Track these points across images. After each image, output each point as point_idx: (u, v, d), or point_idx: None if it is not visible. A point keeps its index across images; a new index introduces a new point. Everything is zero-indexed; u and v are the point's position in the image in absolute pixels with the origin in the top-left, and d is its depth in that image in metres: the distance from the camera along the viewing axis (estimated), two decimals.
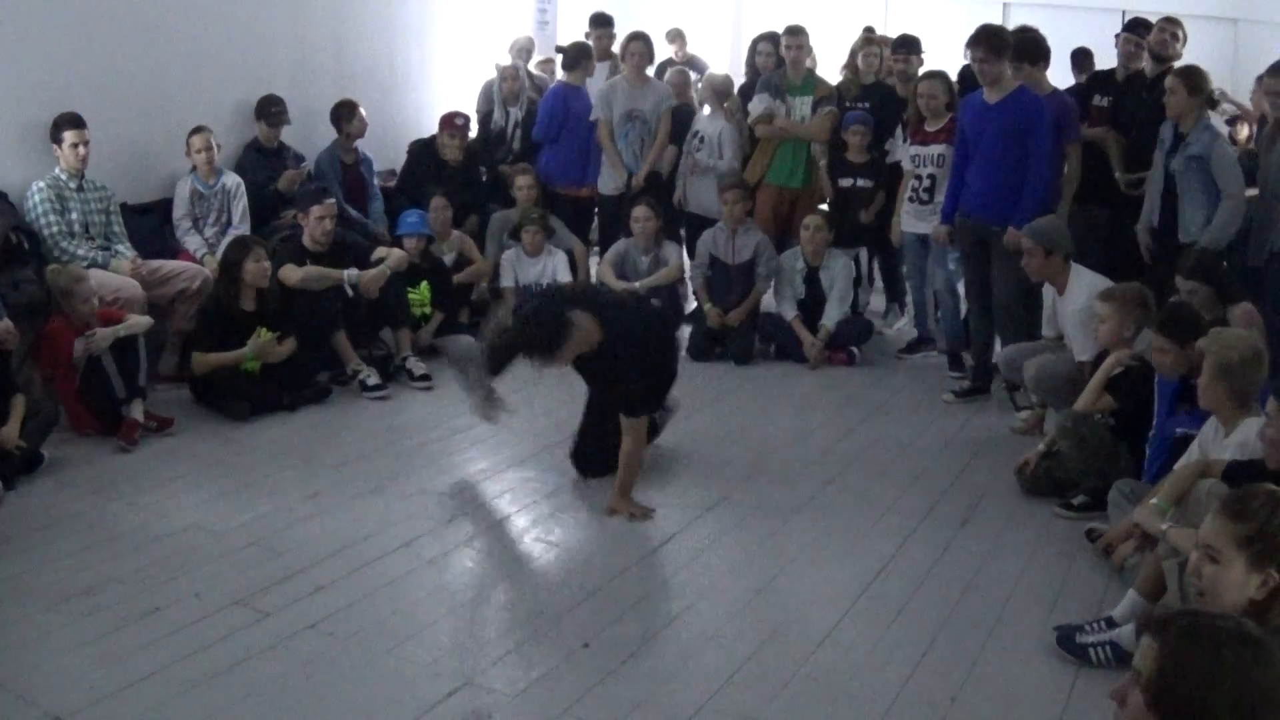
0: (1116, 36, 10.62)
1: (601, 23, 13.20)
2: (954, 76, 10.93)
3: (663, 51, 15.82)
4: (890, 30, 14.31)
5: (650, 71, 12.38)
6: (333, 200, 10.03)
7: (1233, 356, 6.14)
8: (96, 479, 7.66)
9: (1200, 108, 8.93)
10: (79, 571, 6.28)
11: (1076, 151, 9.83)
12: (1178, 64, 9.84)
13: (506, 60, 13.23)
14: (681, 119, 12.05)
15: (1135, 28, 10.47)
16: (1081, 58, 12.36)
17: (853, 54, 12.31)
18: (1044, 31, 9.94)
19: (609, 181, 11.86)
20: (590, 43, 12.90)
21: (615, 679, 5.45)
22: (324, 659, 5.54)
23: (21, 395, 7.68)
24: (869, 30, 13.29)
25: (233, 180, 10.38)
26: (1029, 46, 9.64)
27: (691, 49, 16.15)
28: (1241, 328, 7.08)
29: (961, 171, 9.60)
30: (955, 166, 9.73)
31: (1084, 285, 8.48)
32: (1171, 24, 10.21)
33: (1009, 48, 9.25)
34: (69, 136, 9.16)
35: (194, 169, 10.17)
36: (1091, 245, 9.63)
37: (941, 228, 9.97)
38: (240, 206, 10.36)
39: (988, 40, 9.14)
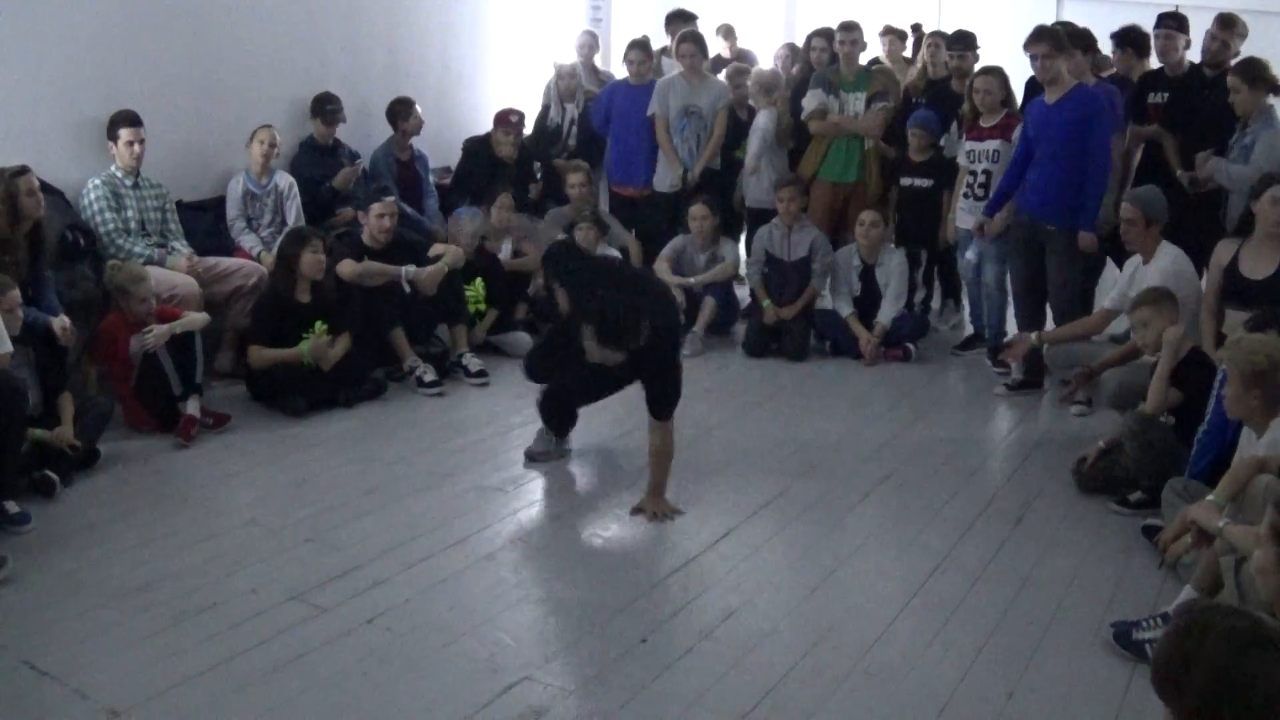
0: (1154, 34, 10.52)
1: (678, 18, 13.19)
2: (1015, 76, 10.88)
3: (714, 47, 15.85)
4: (944, 26, 14.20)
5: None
6: (393, 199, 10.07)
7: (1261, 362, 6.04)
8: (153, 475, 7.70)
9: (1262, 97, 8.86)
10: (135, 567, 6.31)
11: (1119, 143, 9.75)
12: (1231, 61, 9.79)
13: (568, 58, 13.20)
14: (741, 116, 12.05)
15: (1165, 22, 10.37)
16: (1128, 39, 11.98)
17: (916, 51, 12.24)
18: (1098, 25, 9.91)
19: (665, 179, 11.83)
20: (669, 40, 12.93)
21: (671, 675, 5.43)
22: (381, 654, 5.53)
23: (69, 393, 7.70)
24: (911, 28, 13.30)
25: (285, 181, 10.41)
26: (1080, 36, 9.64)
27: (743, 44, 16.10)
28: None
29: (1019, 170, 9.57)
30: (1013, 163, 9.69)
31: (1170, 252, 8.50)
32: (1225, 30, 10.03)
33: (1068, 46, 9.23)
34: (124, 134, 9.21)
35: (247, 168, 10.20)
36: None
37: (984, 218, 9.95)
38: (294, 207, 10.38)
39: (1049, 38, 9.13)
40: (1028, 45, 9.26)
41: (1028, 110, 9.70)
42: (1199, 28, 10.25)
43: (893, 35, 13.48)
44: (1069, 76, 9.27)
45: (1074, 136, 9.13)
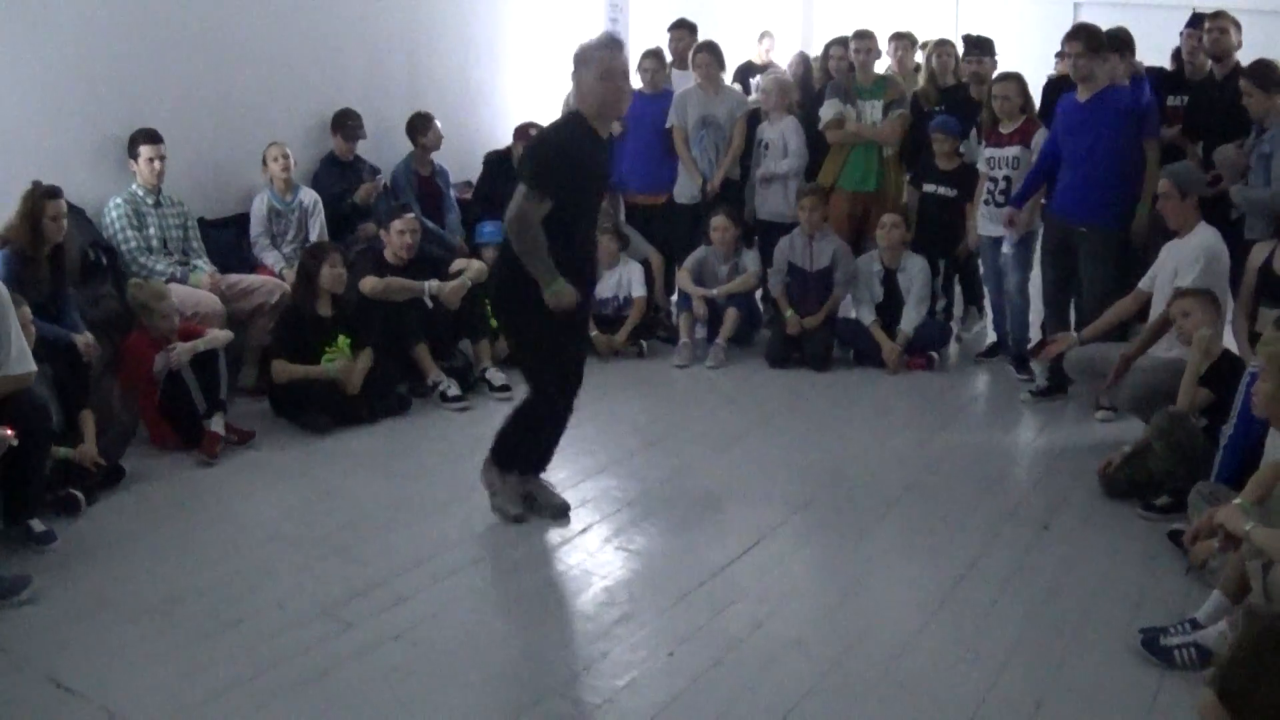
0: (1180, 34, 10.51)
1: (680, 25, 13.14)
2: (1037, 80, 10.87)
3: (751, 52, 15.88)
4: (960, 32, 14.20)
5: (728, 77, 12.35)
6: (414, 215, 10.08)
7: None
8: (178, 492, 7.71)
9: (1277, 99, 8.83)
10: (160, 583, 6.31)
11: (1154, 148, 9.72)
12: (1236, 55, 9.80)
13: None
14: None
15: (1197, 23, 10.36)
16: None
17: (927, 60, 12.21)
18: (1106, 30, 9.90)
19: (685, 190, 11.81)
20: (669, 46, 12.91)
21: (699, 687, 5.41)
22: (408, 669, 5.52)
23: (89, 411, 7.71)
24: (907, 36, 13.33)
25: (309, 197, 10.43)
26: (1118, 38, 9.64)
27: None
28: None
29: (1047, 165, 9.56)
30: (1042, 156, 9.68)
31: (1208, 230, 8.42)
32: (1221, 19, 10.04)
33: (1105, 46, 9.22)
34: (145, 151, 9.24)
35: (270, 184, 10.23)
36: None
37: (1010, 209, 9.93)
38: (318, 223, 10.42)
39: (1084, 37, 9.14)
40: (1064, 43, 9.28)
41: (1058, 106, 9.66)
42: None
43: (902, 42, 13.45)
44: (1103, 76, 9.25)
45: (1106, 136, 9.12)
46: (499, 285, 7.24)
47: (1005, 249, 10.29)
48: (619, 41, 6.64)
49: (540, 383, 7.13)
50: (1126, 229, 9.31)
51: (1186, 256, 8.25)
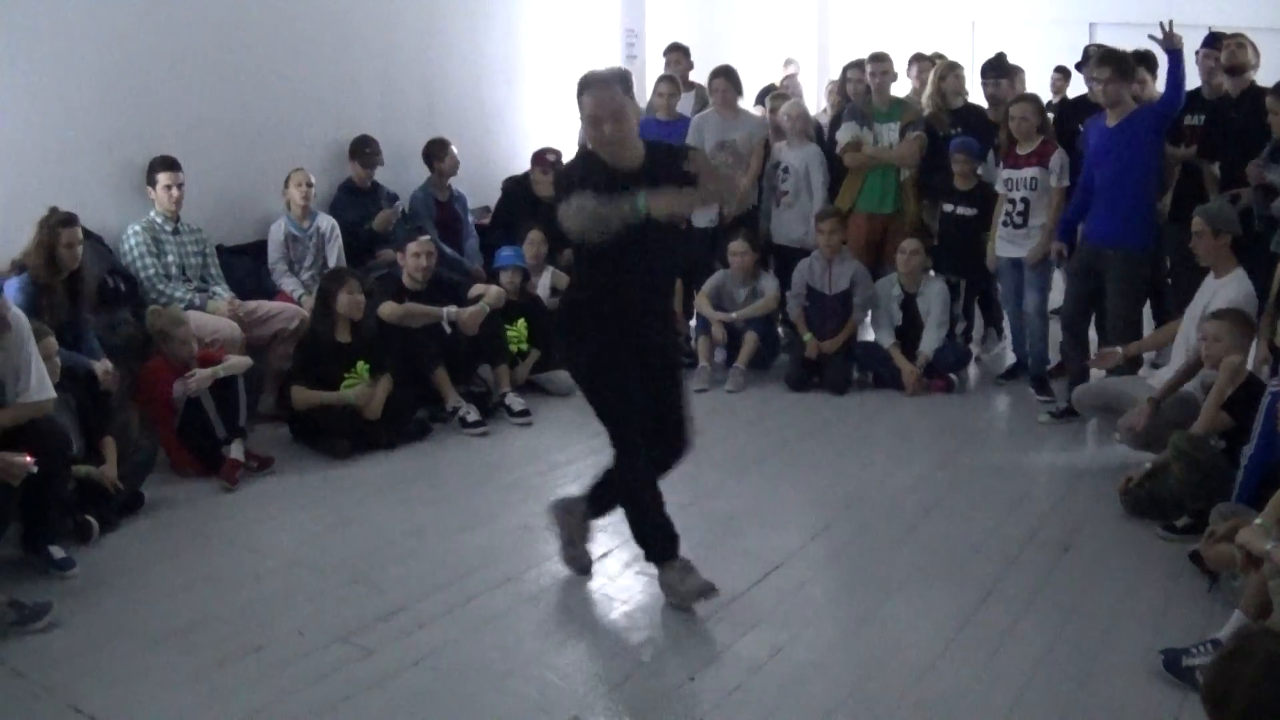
0: (1196, 54, 10.50)
1: (674, 49, 13.23)
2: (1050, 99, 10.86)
3: (773, 76, 15.89)
4: (977, 56, 14.22)
5: (749, 101, 12.37)
6: (428, 238, 10.09)
7: None
8: (197, 518, 7.71)
9: None
10: (181, 609, 6.31)
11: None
12: (1252, 74, 9.78)
13: None
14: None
15: (1212, 43, 10.35)
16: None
17: (938, 82, 12.16)
18: (1131, 50, 9.89)
19: (703, 214, 11.79)
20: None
21: (720, 712, 5.39)
22: (428, 695, 5.51)
23: (111, 438, 7.72)
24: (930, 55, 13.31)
25: (327, 223, 10.45)
26: (1144, 59, 9.65)
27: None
28: None
29: (1086, 194, 9.53)
30: (1081, 187, 9.63)
31: (1244, 279, 8.35)
32: (1237, 37, 10.05)
33: (1133, 70, 9.22)
34: (163, 179, 9.28)
35: (288, 210, 10.25)
36: (1190, 266, 9.55)
37: (1057, 244, 9.91)
38: (335, 249, 10.44)
39: (1114, 62, 9.12)
40: (1091, 66, 9.26)
41: (1087, 132, 9.65)
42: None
43: (923, 64, 13.42)
44: (1130, 100, 9.25)
45: (1136, 160, 9.13)
46: (560, 334, 6.81)
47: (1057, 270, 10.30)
48: (591, 80, 6.34)
49: (618, 440, 6.43)
50: (1153, 251, 9.30)
51: (1220, 300, 8.21)
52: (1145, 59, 10.05)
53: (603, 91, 6.14)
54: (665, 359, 6.62)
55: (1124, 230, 9.19)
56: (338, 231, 10.52)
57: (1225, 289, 8.25)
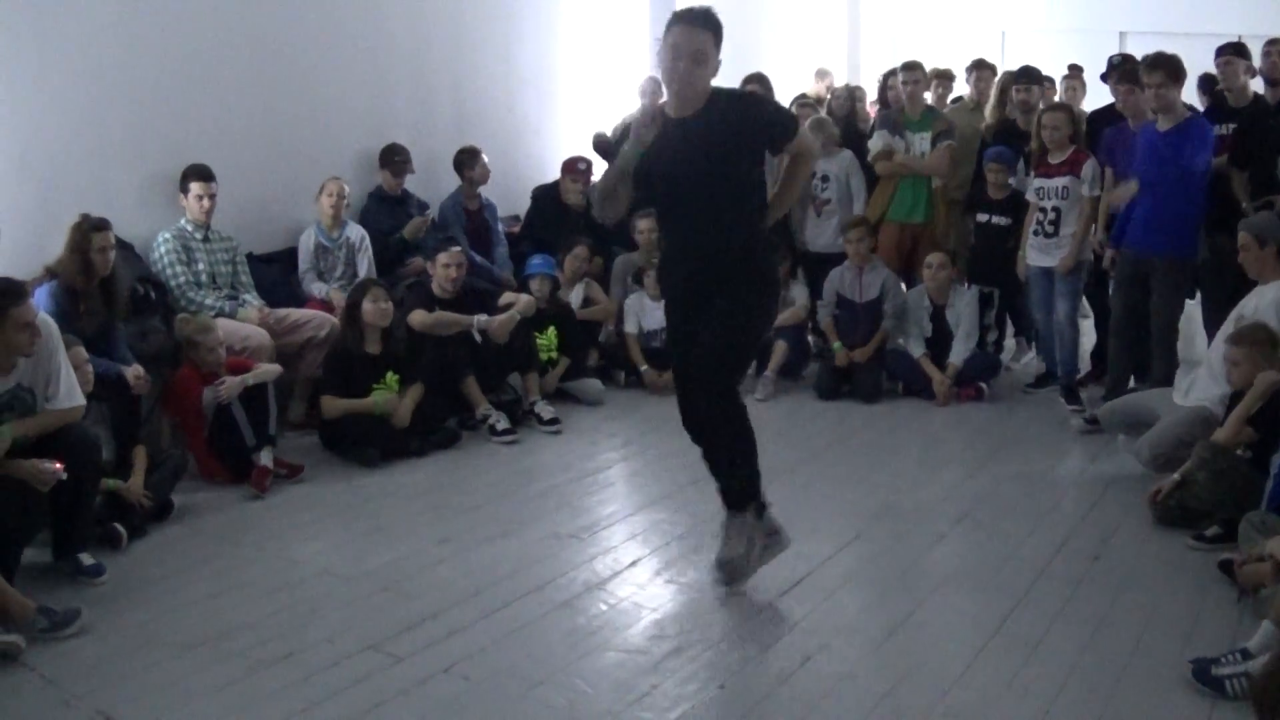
0: (1216, 62, 10.41)
1: None
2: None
3: (805, 85, 15.86)
4: (1007, 64, 14.15)
5: None
6: (459, 249, 10.08)
7: None
8: (227, 526, 7.72)
9: None
10: (210, 617, 6.31)
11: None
12: None
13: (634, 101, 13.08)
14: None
15: (1226, 51, 10.29)
16: (1208, 84, 12.04)
17: (1001, 92, 12.03)
18: None
19: None
20: None
21: None
22: (459, 703, 5.49)
23: (143, 446, 7.75)
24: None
25: (356, 233, 10.44)
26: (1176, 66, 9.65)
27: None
28: None
29: (1133, 201, 9.51)
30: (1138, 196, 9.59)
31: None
32: (1277, 44, 10.01)
33: (1184, 76, 9.20)
34: (195, 188, 9.29)
35: (318, 221, 10.24)
36: (1219, 273, 9.51)
37: (1111, 251, 9.88)
38: (365, 259, 10.43)
39: (1166, 67, 9.09)
40: (1143, 72, 9.24)
41: (1140, 138, 9.60)
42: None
43: (983, 73, 13.17)
44: (1181, 107, 9.23)
45: (1185, 166, 9.11)
46: (769, 281, 6.70)
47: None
48: (685, 15, 6.37)
49: (737, 380, 6.60)
50: (1197, 258, 9.30)
51: (1265, 307, 8.16)
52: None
53: (692, 30, 6.14)
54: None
55: (1171, 238, 9.20)
56: (368, 242, 10.51)
57: (1269, 296, 8.19)
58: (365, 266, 10.40)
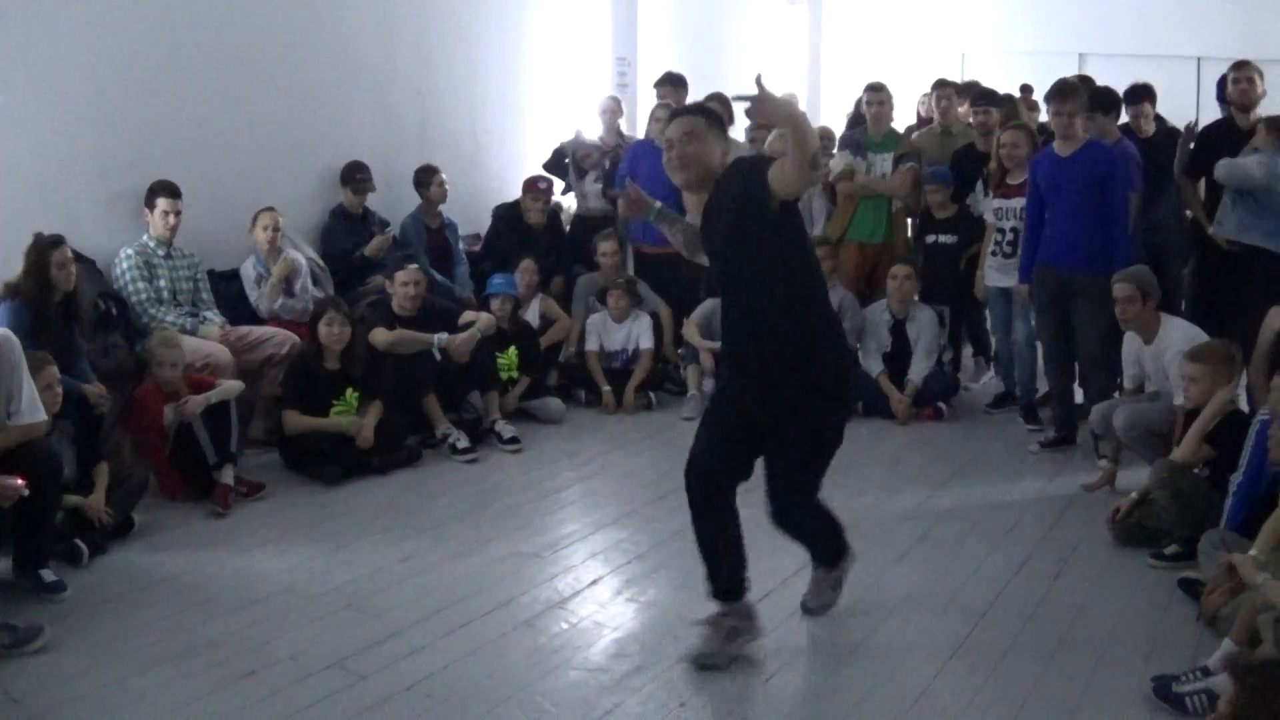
0: (1223, 77, 10.37)
1: (670, 82, 12.91)
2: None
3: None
4: (966, 83, 14.24)
5: (737, 131, 12.36)
6: (416, 266, 10.07)
7: None
8: (189, 543, 7.71)
9: None
10: (173, 635, 6.31)
11: (1136, 201, 9.79)
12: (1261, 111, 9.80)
13: (594, 123, 13.08)
14: None
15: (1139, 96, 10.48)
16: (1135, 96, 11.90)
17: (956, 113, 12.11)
18: (1121, 81, 9.96)
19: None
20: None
21: None
22: None
23: (105, 463, 7.74)
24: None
25: (297, 259, 10.38)
26: (1103, 96, 9.69)
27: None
28: None
29: (1034, 228, 9.58)
30: (1028, 224, 9.69)
31: (1179, 332, 8.41)
32: (1244, 69, 10.04)
33: (1099, 106, 9.28)
34: (162, 204, 9.28)
35: (256, 252, 10.21)
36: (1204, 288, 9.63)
37: (1022, 287, 9.89)
38: (302, 283, 10.32)
39: (1074, 96, 9.16)
40: (1048, 99, 9.29)
41: (1035, 163, 9.66)
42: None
43: (945, 90, 13.21)
44: (1083, 132, 9.30)
45: (1091, 190, 9.16)
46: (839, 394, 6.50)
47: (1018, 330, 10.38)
48: (665, 109, 6.23)
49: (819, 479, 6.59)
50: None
51: (1172, 370, 8.19)
52: (1110, 99, 10.10)
53: (677, 119, 6.10)
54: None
55: (1087, 257, 9.22)
56: (306, 268, 10.43)
57: (1166, 352, 8.36)
58: (301, 286, 10.30)
